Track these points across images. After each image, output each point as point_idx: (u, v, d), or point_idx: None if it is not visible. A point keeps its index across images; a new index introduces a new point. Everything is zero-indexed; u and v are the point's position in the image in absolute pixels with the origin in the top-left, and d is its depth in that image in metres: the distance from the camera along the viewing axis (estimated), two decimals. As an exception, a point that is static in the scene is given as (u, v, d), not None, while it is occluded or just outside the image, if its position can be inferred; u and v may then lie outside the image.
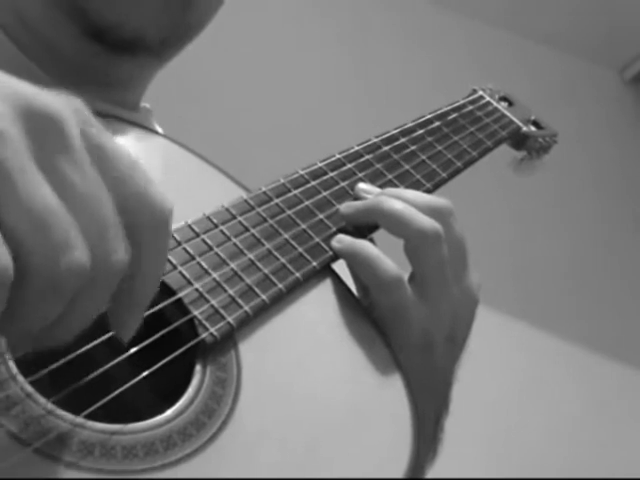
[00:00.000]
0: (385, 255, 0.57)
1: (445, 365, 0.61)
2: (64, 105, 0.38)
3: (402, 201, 0.59)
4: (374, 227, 0.61)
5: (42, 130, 0.36)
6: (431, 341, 0.58)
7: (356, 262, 0.58)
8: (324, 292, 0.57)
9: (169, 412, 0.44)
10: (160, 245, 0.40)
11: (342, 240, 0.59)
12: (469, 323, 0.62)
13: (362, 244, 0.58)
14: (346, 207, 0.62)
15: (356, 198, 0.63)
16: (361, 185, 0.64)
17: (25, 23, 0.72)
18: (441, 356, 0.60)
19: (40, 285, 0.35)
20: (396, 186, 0.66)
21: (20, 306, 0.35)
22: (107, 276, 0.37)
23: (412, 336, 0.57)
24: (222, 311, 0.49)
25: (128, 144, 0.61)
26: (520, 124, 0.85)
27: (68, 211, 0.36)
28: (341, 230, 0.60)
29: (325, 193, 0.62)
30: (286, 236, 0.57)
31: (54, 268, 0.34)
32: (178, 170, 0.62)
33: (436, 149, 0.71)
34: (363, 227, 0.62)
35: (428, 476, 0.62)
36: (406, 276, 0.59)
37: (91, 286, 0.37)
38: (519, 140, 0.86)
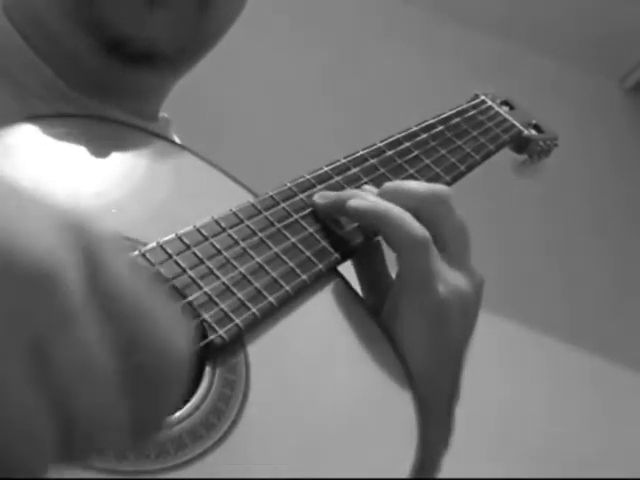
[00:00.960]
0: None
1: (458, 340, 0.60)
2: (64, 245, 0.29)
3: (404, 190, 0.60)
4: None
5: (24, 288, 0.27)
6: (448, 313, 0.57)
7: (385, 221, 0.56)
8: (331, 294, 0.56)
9: (179, 413, 0.44)
10: (165, 404, 0.32)
11: (364, 198, 0.59)
12: (477, 302, 0.61)
13: (387, 205, 0.57)
14: (320, 197, 0.62)
15: None
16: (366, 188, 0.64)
17: (46, 35, 0.72)
18: (456, 330, 0.58)
19: None
20: None
21: None
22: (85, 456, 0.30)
23: (432, 305, 0.56)
24: (231, 314, 0.49)
25: (144, 154, 0.61)
26: (521, 128, 0.84)
27: (49, 389, 0.27)
28: (348, 233, 0.60)
29: None
30: (293, 240, 0.57)
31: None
32: (189, 176, 0.62)
33: (439, 153, 0.71)
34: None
35: (441, 466, 0.62)
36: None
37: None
38: (520, 144, 0.86)
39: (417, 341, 0.56)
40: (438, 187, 0.61)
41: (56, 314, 0.28)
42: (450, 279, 0.58)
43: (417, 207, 0.58)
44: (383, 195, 0.60)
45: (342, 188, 0.63)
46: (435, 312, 0.56)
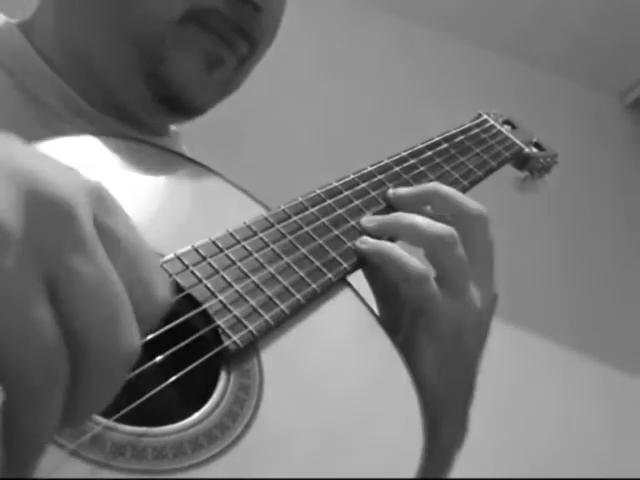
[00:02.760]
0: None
1: (473, 351, 0.61)
2: (79, 189, 0.34)
3: (445, 201, 0.62)
4: (393, 239, 0.62)
5: (47, 217, 0.32)
6: (461, 330, 0.59)
7: (386, 260, 0.58)
8: (340, 303, 0.57)
9: (196, 416, 0.44)
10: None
11: (366, 241, 0.60)
12: (490, 316, 0.63)
13: (388, 244, 0.59)
14: (368, 221, 0.63)
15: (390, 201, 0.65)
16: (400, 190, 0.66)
17: (85, 66, 0.73)
18: (470, 343, 0.60)
19: (16, 395, 0.31)
20: None
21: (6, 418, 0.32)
22: (119, 361, 0.34)
23: (443, 326, 0.58)
24: (244, 321, 0.50)
25: (155, 168, 0.61)
26: (523, 146, 0.85)
27: (70, 300, 0.32)
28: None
29: (340, 211, 0.63)
30: (304, 251, 0.58)
31: (28, 375, 0.31)
32: (204, 191, 0.63)
33: (444, 169, 0.72)
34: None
35: (455, 464, 0.62)
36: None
37: (103, 371, 0.34)
38: (522, 161, 0.87)
39: (432, 356, 0.58)
40: (478, 205, 0.63)
41: (72, 235, 0.32)
42: (469, 295, 0.60)
43: (458, 222, 0.61)
44: (432, 196, 0.64)
45: (351, 202, 0.64)
46: (448, 332, 0.58)
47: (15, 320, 0.30)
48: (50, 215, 0.32)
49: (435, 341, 0.57)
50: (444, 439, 0.59)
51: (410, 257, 0.58)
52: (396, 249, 0.58)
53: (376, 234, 0.62)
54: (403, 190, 0.65)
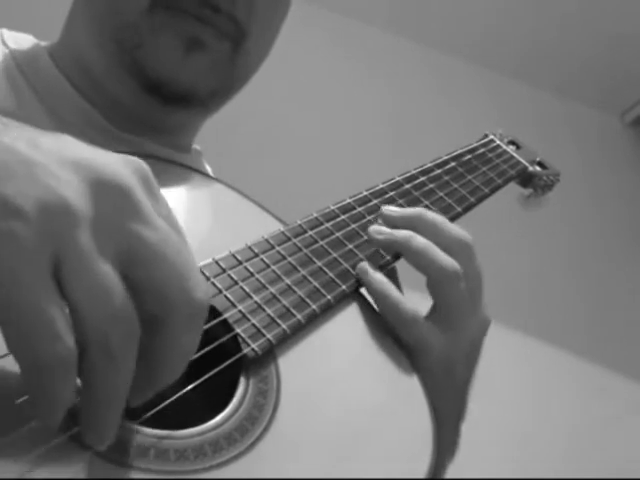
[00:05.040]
0: (403, 296, 0.58)
1: (464, 378, 0.61)
2: (130, 172, 0.38)
3: (433, 229, 0.60)
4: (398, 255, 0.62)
5: (112, 198, 0.36)
6: (452, 365, 0.59)
7: (377, 300, 0.58)
8: (353, 312, 0.57)
9: (216, 419, 0.44)
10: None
11: (365, 271, 0.59)
12: (482, 341, 0.62)
13: (383, 283, 0.58)
14: (375, 232, 0.61)
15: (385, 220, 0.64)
16: (387, 209, 0.64)
17: (90, 76, 0.73)
18: (460, 372, 0.60)
19: (97, 354, 0.35)
20: None
21: (92, 380, 0.35)
22: (197, 310, 0.37)
23: (434, 362, 0.58)
24: (263, 329, 0.50)
25: (176, 185, 0.62)
26: (527, 164, 0.85)
27: (144, 261, 0.36)
28: (369, 258, 0.61)
29: (354, 226, 0.63)
30: (319, 263, 0.58)
31: (105, 336, 0.34)
32: (224, 207, 0.63)
33: (452, 187, 0.72)
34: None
35: (447, 476, 0.62)
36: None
37: (188, 318, 0.37)
38: (526, 179, 0.87)
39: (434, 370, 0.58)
40: (465, 233, 0.62)
41: (136, 211, 0.37)
42: (463, 326, 0.60)
43: (448, 246, 0.60)
44: (415, 222, 0.61)
45: (363, 218, 0.64)
46: (438, 368, 0.58)
47: (95, 290, 0.34)
48: (113, 197, 0.36)
49: (425, 375, 0.56)
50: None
51: (402, 299, 0.57)
52: (388, 287, 0.57)
53: (383, 248, 0.62)
54: (390, 211, 0.63)
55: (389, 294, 0.57)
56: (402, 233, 0.60)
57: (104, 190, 0.36)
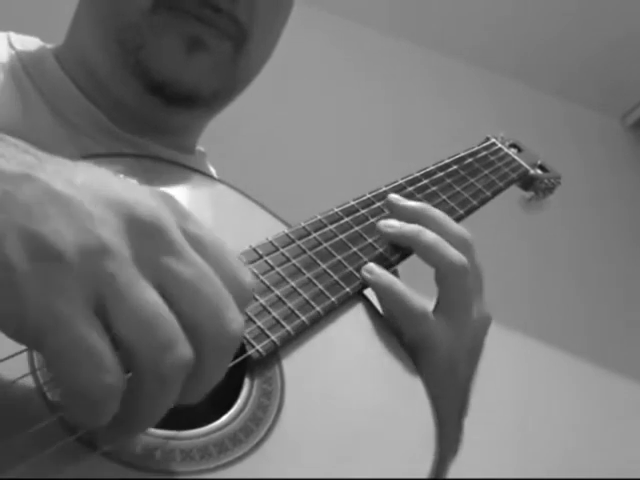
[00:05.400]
0: (411, 289, 0.58)
1: (466, 373, 0.61)
2: (163, 206, 0.38)
3: (437, 225, 0.61)
4: (410, 249, 0.62)
5: (146, 235, 0.36)
6: (456, 361, 0.59)
7: (386, 296, 0.58)
8: (357, 314, 0.57)
9: (221, 420, 0.44)
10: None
11: (372, 271, 0.59)
12: (484, 338, 0.62)
13: (390, 279, 0.59)
14: (385, 226, 0.62)
15: (392, 211, 0.64)
16: (393, 196, 0.64)
17: (95, 78, 0.74)
18: (463, 367, 0.60)
19: (150, 382, 0.35)
20: None
21: (140, 403, 0.36)
22: (231, 343, 0.38)
23: (439, 359, 0.58)
24: (267, 331, 0.50)
25: (180, 186, 0.62)
26: (528, 167, 0.85)
27: (180, 297, 0.36)
28: (373, 259, 0.61)
29: (357, 228, 0.63)
30: (323, 266, 0.58)
31: (159, 365, 0.35)
32: (228, 208, 0.63)
33: (454, 189, 0.72)
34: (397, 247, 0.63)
35: (449, 473, 0.63)
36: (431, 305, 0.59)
37: (221, 351, 0.38)
38: (527, 182, 0.87)
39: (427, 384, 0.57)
40: (465, 230, 0.63)
41: (169, 246, 0.37)
42: (465, 321, 0.60)
43: (450, 241, 0.60)
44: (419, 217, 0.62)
45: (367, 220, 0.64)
46: (442, 364, 0.58)
47: (143, 319, 0.35)
48: (148, 234, 0.36)
49: (429, 372, 0.57)
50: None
51: (411, 294, 0.57)
52: (397, 284, 0.58)
53: (393, 241, 0.62)
54: (396, 199, 0.64)
55: (398, 290, 0.57)
56: (412, 227, 0.61)
57: (138, 227, 0.36)
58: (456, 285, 0.59)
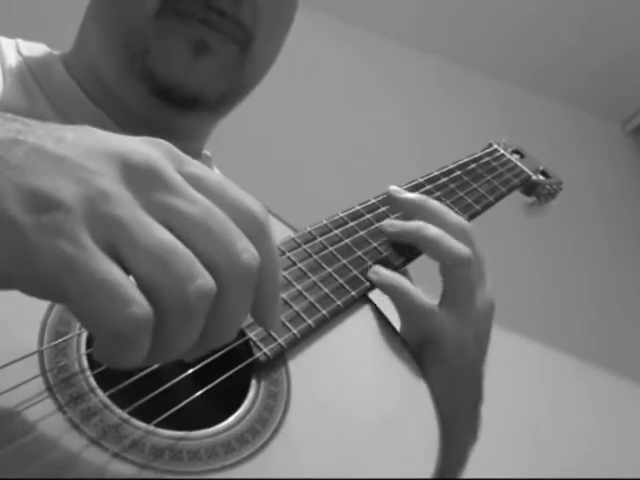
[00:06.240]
0: (417, 289, 0.59)
1: (475, 360, 0.62)
2: (157, 153, 0.38)
3: (437, 217, 0.61)
4: (414, 252, 0.63)
5: (145, 180, 0.36)
6: (463, 346, 0.60)
7: (394, 294, 0.59)
8: (362, 317, 0.58)
9: (228, 421, 0.45)
10: (268, 237, 0.40)
11: (378, 272, 0.60)
12: (490, 323, 0.63)
13: (397, 278, 0.59)
14: (390, 226, 0.63)
15: (395, 204, 0.65)
16: (394, 189, 0.65)
17: (102, 83, 0.74)
18: (472, 355, 0.61)
19: (176, 315, 0.35)
20: None
21: (166, 339, 0.35)
22: (247, 274, 0.37)
23: (448, 349, 0.58)
24: (274, 334, 0.50)
25: None
26: (530, 173, 0.86)
27: (188, 235, 0.36)
28: (377, 263, 0.61)
29: (362, 232, 0.63)
30: (329, 269, 0.58)
31: (183, 297, 0.34)
32: None
33: (458, 194, 0.72)
34: (403, 248, 0.63)
35: (469, 459, 0.63)
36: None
37: (238, 283, 0.37)
38: (529, 187, 0.88)
39: (437, 376, 0.58)
40: (464, 220, 0.63)
41: (168, 186, 0.37)
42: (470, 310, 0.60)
43: (451, 232, 0.61)
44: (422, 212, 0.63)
45: (371, 225, 0.64)
46: (451, 353, 0.59)
47: (158, 254, 0.34)
48: (147, 178, 0.36)
49: (439, 363, 0.58)
50: (458, 441, 0.59)
51: (417, 291, 0.58)
52: (405, 283, 0.59)
53: (397, 239, 0.63)
54: (396, 191, 0.65)
55: (405, 289, 0.58)
56: (413, 223, 0.62)
57: (136, 174, 0.36)
58: (461, 277, 0.59)
